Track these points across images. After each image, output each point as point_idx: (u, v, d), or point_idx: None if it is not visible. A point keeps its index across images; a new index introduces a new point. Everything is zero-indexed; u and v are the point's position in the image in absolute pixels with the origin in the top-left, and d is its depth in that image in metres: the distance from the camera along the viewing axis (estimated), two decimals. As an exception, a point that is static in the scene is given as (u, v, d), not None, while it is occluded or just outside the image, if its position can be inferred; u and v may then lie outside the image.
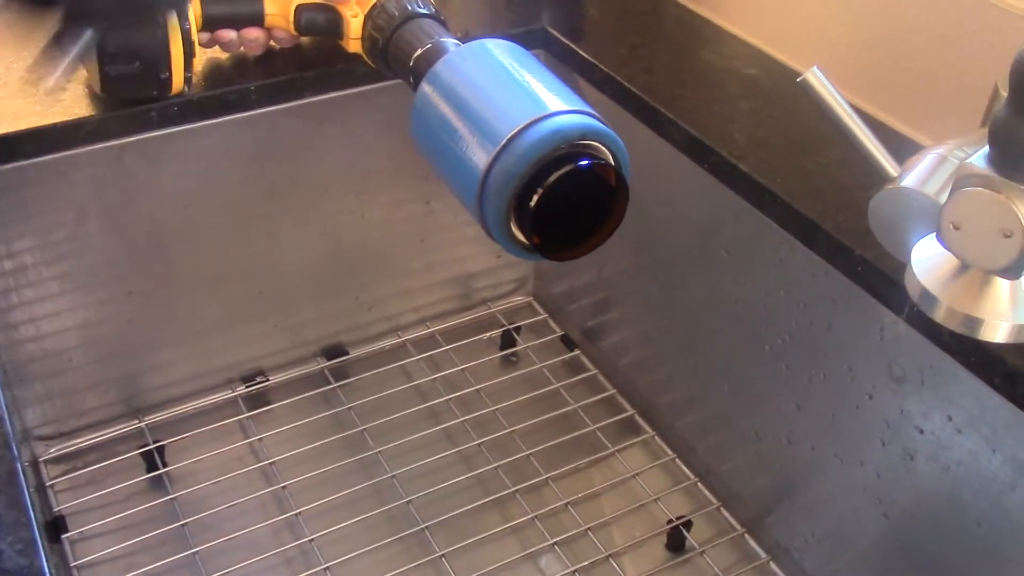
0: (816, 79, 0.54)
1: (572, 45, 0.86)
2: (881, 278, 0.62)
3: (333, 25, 0.74)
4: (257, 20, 0.75)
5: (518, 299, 1.05)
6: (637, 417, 0.93)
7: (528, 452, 0.88)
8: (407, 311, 1.01)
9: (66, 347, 0.84)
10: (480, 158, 0.55)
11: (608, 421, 0.92)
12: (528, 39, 0.88)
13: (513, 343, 1.00)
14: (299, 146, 0.84)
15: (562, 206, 0.55)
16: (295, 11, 0.75)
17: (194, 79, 0.75)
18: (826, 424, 0.72)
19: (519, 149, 0.54)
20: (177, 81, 0.72)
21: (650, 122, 0.78)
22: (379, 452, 0.87)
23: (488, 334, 1.01)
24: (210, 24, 0.74)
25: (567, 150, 0.55)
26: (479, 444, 0.89)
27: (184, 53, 0.70)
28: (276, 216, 0.87)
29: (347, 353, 0.97)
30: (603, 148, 0.56)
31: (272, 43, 0.78)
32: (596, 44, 0.85)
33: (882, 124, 0.76)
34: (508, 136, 0.54)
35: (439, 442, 0.90)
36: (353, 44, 0.74)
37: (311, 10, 0.75)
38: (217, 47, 0.77)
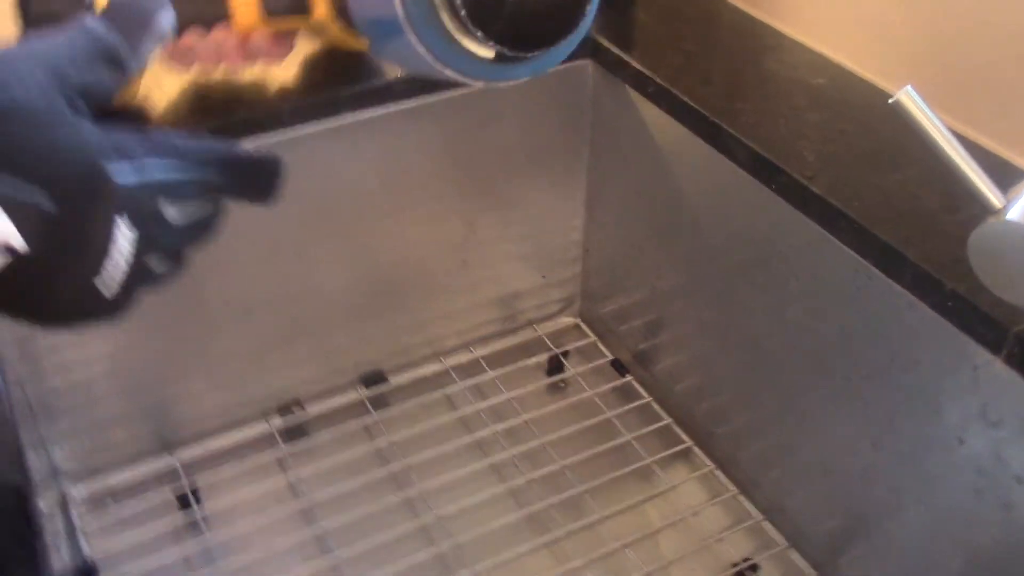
0: (910, 100, 0.48)
1: (623, 55, 0.80)
2: (975, 314, 0.57)
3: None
4: (220, 15, 0.60)
5: (565, 320, 1.00)
6: (695, 448, 0.88)
7: (581, 489, 0.83)
8: (449, 334, 0.96)
9: (93, 378, 0.80)
10: None
11: (664, 453, 0.87)
12: (576, 50, 0.83)
13: (561, 368, 0.95)
14: (334, 167, 0.79)
15: None
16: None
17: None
18: (908, 466, 0.66)
19: None
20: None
21: (710, 138, 0.73)
22: (422, 489, 0.83)
23: (535, 359, 0.96)
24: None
25: None
26: (528, 479, 0.84)
27: None
28: (310, 239, 0.82)
29: (387, 380, 0.93)
30: None
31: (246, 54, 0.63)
32: (648, 53, 0.80)
33: (974, 144, 0.70)
34: None
35: (485, 476, 0.85)
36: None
37: None
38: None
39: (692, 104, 0.74)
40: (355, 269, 0.87)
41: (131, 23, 0.42)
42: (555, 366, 0.96)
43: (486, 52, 0.44)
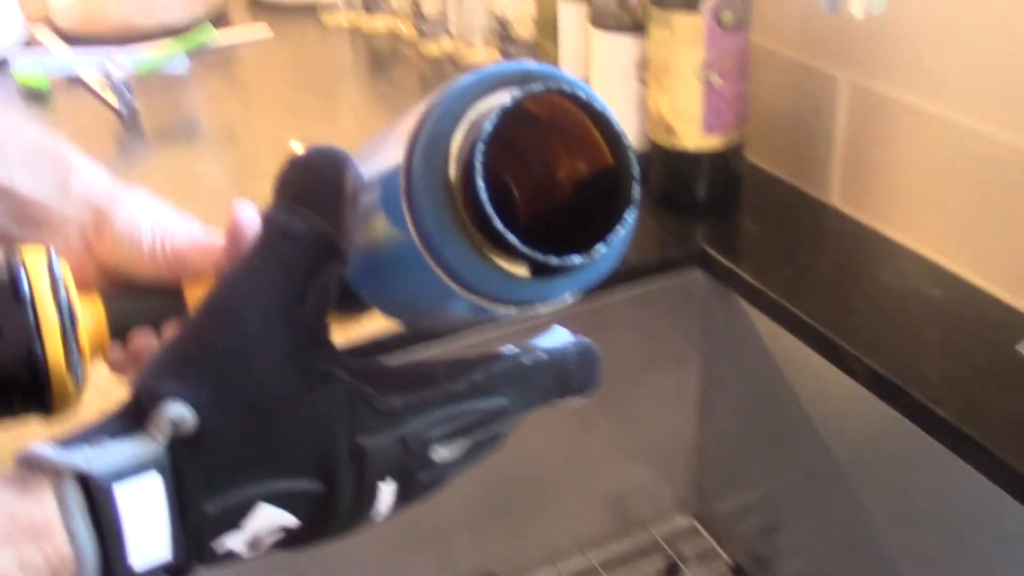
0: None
1: (733, 267, 0.81)
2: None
3: None
4: (180, 314, 0.52)
5: (680, 520, 0.99)
6: (823, 662, 0.84)
7: None
8: (561, 537, 0.95)
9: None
10: (394, 157, 0.36)
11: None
12: (685, 260, 0.85)
13: (678, 574, 0.94)
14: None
15: (533, 184, 0.38)
16: None
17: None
18: None
19: (440, 115, 0.35)
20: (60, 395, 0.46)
21: (828, 354, 0.73)
22: None
23: (651, 565, 0.94)
24: (120, 329, 0.51)
25: (506, 90, 0.35)
26: None
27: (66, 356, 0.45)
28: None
29: (502, 586, 0.92)
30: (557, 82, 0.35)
31: None
32: (759, 265, 0.81)
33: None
34: (417, 120, 0.36)
35: None
36: None
37: None
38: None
39: (808, 320, 0.74)
40: (471, 475, 0.87)
41: (323, 196, 0.37)
42: (672, 570, 0.94)
43: (519, 268, 0.36)
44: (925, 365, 0.68)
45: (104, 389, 0.51)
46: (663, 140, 0.85)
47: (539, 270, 0.36)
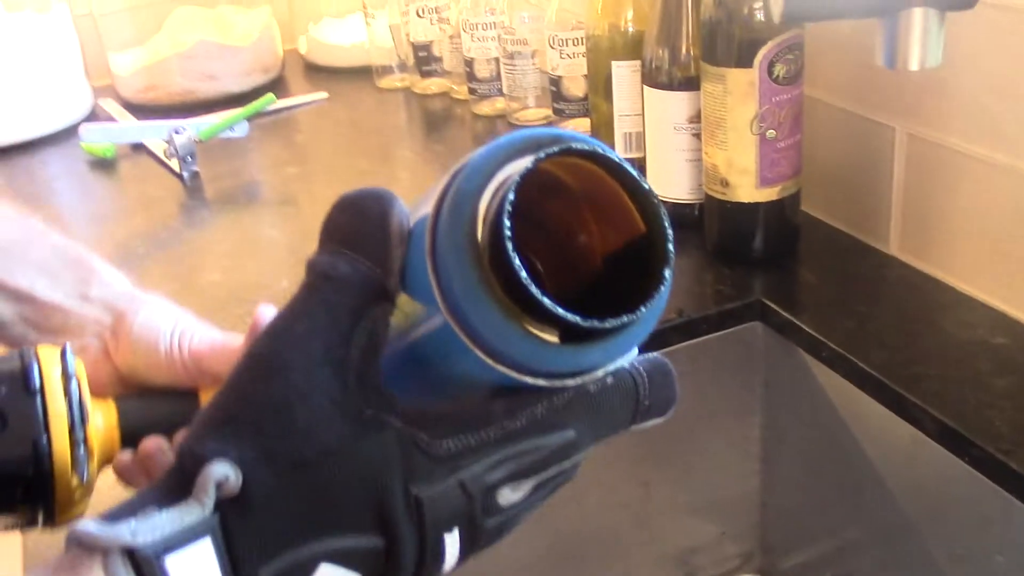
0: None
1: (793, 319, 0.81)
2: None
3: None
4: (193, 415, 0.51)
5: (745, 576, 0.97)
6: None
7: None
8: (627, 594, 0.94)
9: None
10: (422, 216, 0.35)
11: None
12: (744, 312, 0.84)
13: (746, 631, 0.92)
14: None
15: (563, 249, 0.37)
16: None
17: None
18: None
19: (468, 175, 0.34)
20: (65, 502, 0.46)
21: (894, 406, 0.72)
22: None
23: (718, 621, 0.93)
24: (132, 434, 0.51)
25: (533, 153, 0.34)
26: None
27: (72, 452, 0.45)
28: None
29: (566, 646, 0.91)
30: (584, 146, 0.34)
31: None
32: (819, 316, 0.81)
33: None
34: (445, 182, 0.35)
35: None
36: None
37: None
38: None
39: (871, 372, 0.74)
40: (535, 539, 0.87)
41: (368, 235, 0.35)
42: (739, 628, 0.93)
43: (548, 334, 0.34)
44: (994, 415, 0.67)
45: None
46: (719, 193, 0.85)
47: (570, 335, 0.34)
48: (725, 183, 0.84)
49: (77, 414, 0.44)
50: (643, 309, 0.33)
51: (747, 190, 0.84)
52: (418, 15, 1.34)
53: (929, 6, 0.42)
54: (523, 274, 0.31)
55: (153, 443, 0.49)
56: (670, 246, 0.34)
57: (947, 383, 0.71)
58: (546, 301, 0.31)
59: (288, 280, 0.93)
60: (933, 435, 0.69)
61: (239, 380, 0.34)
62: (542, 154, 0.33)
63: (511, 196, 0.32)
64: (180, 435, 0.49)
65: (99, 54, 1.48)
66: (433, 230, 0.34)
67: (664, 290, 0.34)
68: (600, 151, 0.34)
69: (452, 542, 0.34)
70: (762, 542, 0.97)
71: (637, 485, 0.89)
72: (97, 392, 0.50)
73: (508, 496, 0.35)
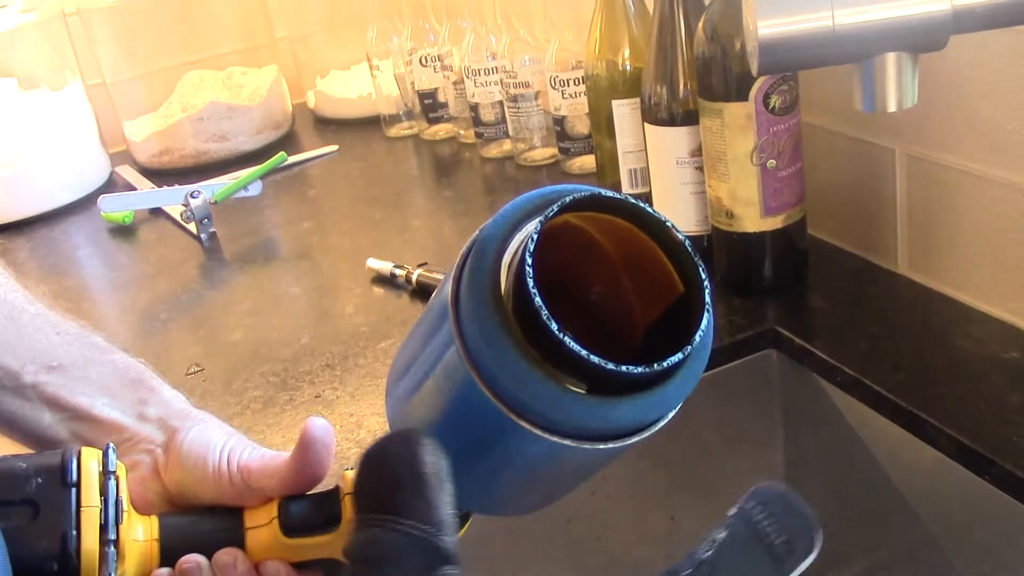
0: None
1: (806, 344, 0.82)
2: None
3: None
4: (236, 540, 0.50)
5: (779, 601, 0.98)
6: None
7: None
8: (662, 626, 0.95)
9: None
10: (445, 288, 0.35)
11: None
12: (758, 341, 0.85)
13: (783, 657, 0.92)
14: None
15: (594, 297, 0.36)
16: (280, 508, 0.50)
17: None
18: None
19: (492, 226, 0.34)
20: None
21: (912, 427, 0.73)
22: None
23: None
24: (172, 551, 0.49)
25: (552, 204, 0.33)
26: None
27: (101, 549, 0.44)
28: (517, 552, 0.84)
29: None
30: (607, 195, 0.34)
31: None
32: (832, 341, 0.81)
33: None
34: (467, 248, 0.34)
35: None
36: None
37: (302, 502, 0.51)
38: None
39: (886, 394, 0.74)
40: (564, 573, 0.88)
41: (409, 493, 0.32)
42: (776, 655, 0.93)
43: (575, 384, 0.32)
44: (1011, 431, 0.68)
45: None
46: (725, 225, 0.87)
47: (597, 386, 0.32)
48: (730, 215, 0.86)
49: (112, 513, 0.44)
50: (673, 359, 0.32)
51: (752, 220, 0.85)
52: (421, 63, 1.37)
53: (901, 51, 0.43)
54: (543, 312, 0.30)
55: (192, 561, 0.48)
56: (707, 297, 0.33)
57: (963, 401, 0.72)
58: (568, 341, 0.30)
59: (308, 336, 0.94)
60: (952, 454, 0.70)
61: None
62: (568, 199, 0.33)
63: (535, 235, 0.31)
64: (222, 552, 0.49)
65: (114, 122, 1.51)
66: (456, 281, 0.33)
67: (700, 341, 0.32)
68: (629, 202, 0.33)
69: None
70: (794, 566, 0.97)
71: (664, 518, 0.90)
72: (143, 510, 0.50)
73: None
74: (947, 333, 0.80)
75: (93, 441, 0.53)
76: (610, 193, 0.33)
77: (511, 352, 0.31)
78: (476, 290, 0.32)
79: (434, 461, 0.33)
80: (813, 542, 0.34)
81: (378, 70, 1.43)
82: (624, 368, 0.31)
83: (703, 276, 0.34)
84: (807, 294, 0.89)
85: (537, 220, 0.32)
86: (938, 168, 0.81)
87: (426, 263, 1.00)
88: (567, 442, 0.33)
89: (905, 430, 0.73)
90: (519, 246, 0.32)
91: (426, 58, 1.36)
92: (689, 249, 0.34)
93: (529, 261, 0.31)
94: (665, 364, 0.33)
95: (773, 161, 0.83)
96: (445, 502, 0.32)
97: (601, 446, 0.34)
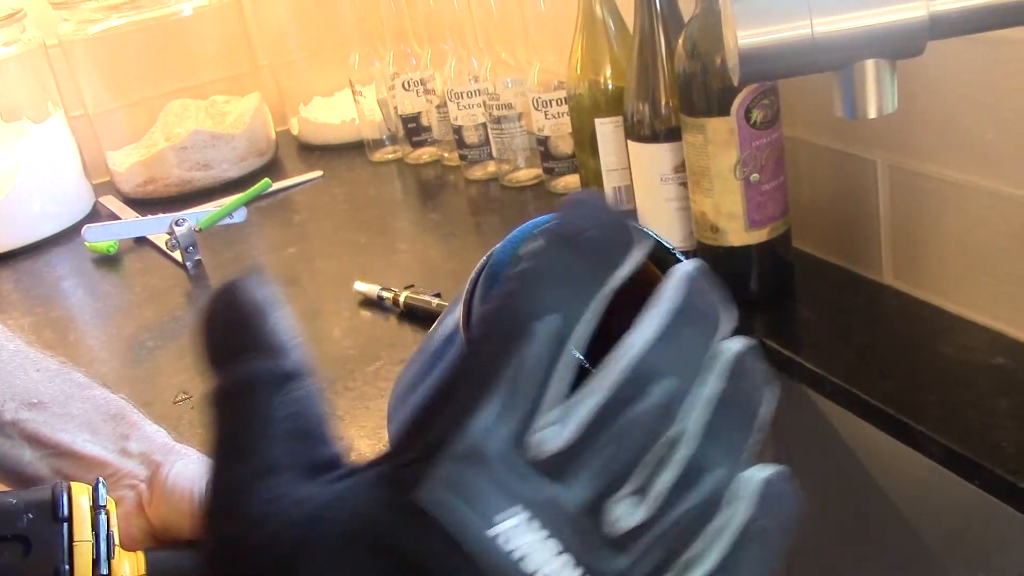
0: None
1: (795, 357, 0.82)
2: None
3: None
4: None
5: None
6: None
7: None
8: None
9: None
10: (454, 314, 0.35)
11: None
12: (746, 354, 0.85)
13: (780, 671, 0.92)
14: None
15: None
16: None
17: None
18: None
19: (499, 259, 0.34)
20: None
21: (900, 436, 0.73)
22: None
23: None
24: None
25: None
26: None
27: None
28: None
29: None
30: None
31: None
32: (819, 351, 0.82)
33: None
34: (477, 273, 0.34)
35: None
36: None
37: None
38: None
39: (875, 403, 0.74)
40: None
41: (232, 335, 0.31)
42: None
43: None
44: (999, 436, 0.68)
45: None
46: (710, 239, 0.87)
47: None
48: (715, 229, 0.86)
49: (104, 548, 0.44)
50: None
51: (737, 234, 0.85)
52: (404, 88, 1.37)
53: (880, 57, 0.43)
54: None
55: None
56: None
57: (951, 408, 0.72)
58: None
59: (296, 360, 0.94)
60: (941, 461, 0.70)
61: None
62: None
63: None
64: None
65: (97, 152, 1.51)
66: (467, 306, 0.33)
67: None
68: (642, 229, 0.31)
69: None
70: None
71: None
72: (127, 546, 0.50)
73: (629, 514, 0.25)
74: (933, 341, 0.80)
75: (75, 477, 0.52)
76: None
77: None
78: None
79: (260, 296, 0.32)
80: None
81: (361, 95, 1.43)
82: None
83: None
84: (793, 306, 0.89)
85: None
86: (920, 178, 0.82)
87: (413, 285, 1.00)
88: None
89: (894, 438, 0.74)
90: None
91: (409, 82, 1.37)
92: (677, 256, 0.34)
93: None
94: None
95: (756, 175, 0.83)
96: (282, 329, 0.31)
97: None
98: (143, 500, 0.53)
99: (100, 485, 0.47)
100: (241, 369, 0.30)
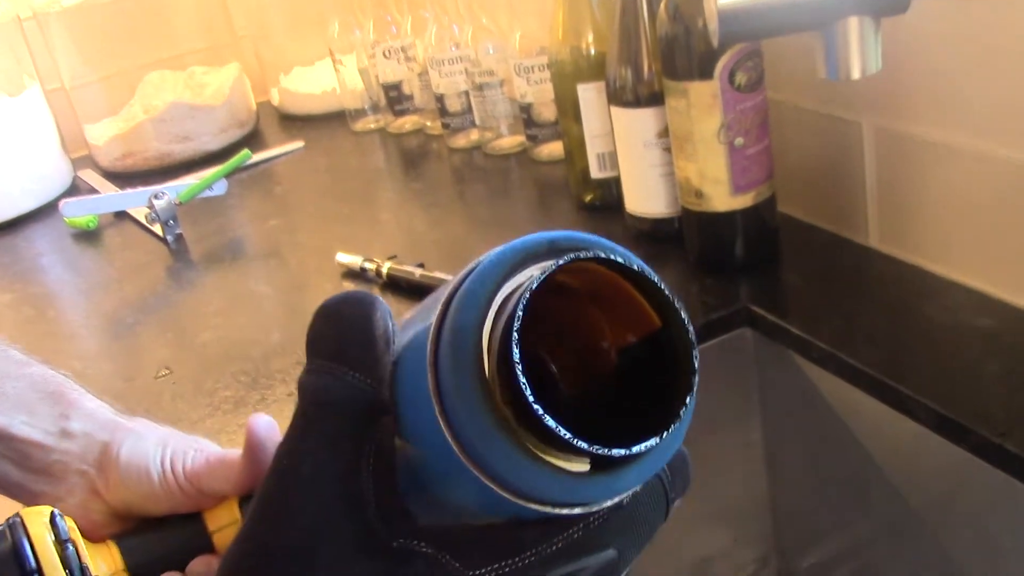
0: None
1: (781, 322, 0.81)
2: None
3: None
4: (204, 547, 0.50)
5: (763, 581, 0.97)
6: None
7: None
8: (647, 611, 0.94)
9: None
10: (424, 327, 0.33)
11: None
12: (732, 320, 0.85)
13: (769, 637, 0.92)
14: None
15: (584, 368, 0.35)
16: (241, 507, 0.51)
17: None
18: None
19: (465, 303, 0.32)
20: None
21: (889, 400, 0.72)
22: None
23: (740, 630, 0.93)
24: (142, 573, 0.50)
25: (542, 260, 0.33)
26: None
27: None
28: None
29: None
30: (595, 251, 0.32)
31: None
32: (807, 317, 0.81)
33: None
34: (442, 307, 0.32)
35: None
36: None
37: None
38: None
39: (863, 368, 0.74)
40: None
41: (355, 346, 0.33)
42: (762, 634, 0.92)
43: (576, 464, 0.31)
44: (987, 399, 0.68)
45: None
46: (694, 205, 0.86)
47: (601, 462, 0.31)
48: (699, 194, 0.85)
49: None
50: (674, 427, 0.31)
51: (722, 199, 0.84)
52: (385, 56, 1.35)
53: (863, 14, 0.42)
54: (549, 421, 0.28)
55: None
56: (694, 346, 0.31)
57: (937, 372, 0.72)
58: (578, 443, 0.29)
59: (280, 333, 0.93)
60: (930, 425, 0.70)
61: (254, 529, 0.33)
62: (541, 274, 0.30)
63: (515, 335, 0.29)
64: (195, 563, 0.47)
65: (75, 126, 1.49)
66: (435, 368, 0.31)
67: (692, 396, 0.31)
68: (602, 256, 0.31)
69: None
70: (777, 545, 0.97)
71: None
72: (93, 535, 0.48)
73: None
74: (919, 304, 0.80)
75: (18, 461, 0.50)
76: (585, 254, 0.31)
77: (515, 456, 0.30)
78: (463, 390, 0.30)
79: (385, 325, 0.34)
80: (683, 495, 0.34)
81: (341, 64, 1.42)
82: (630, 452, 0.30)
83: (682, 314, 0.32)
84: (779, 271, 0.88)
85: (516, 317, 0.30)
86: (905, 140, 0.81)
87: (396, 256, 0.99)
88: (576, 511, 0.32)
89: (882, 403, 0.73)
90: (500, 333, 0.30)
91: (389, 50, 1.35)
92: (663, 287, 0.32)
93: (520, 367, 0.29)
94: (671, 430, 0.31)
95: (741, 139, 0.82)
96: (388, 361, 0.33)
97: (607, 504, 0.33)
98: (97, 486, 0.50)
99: (58, 518, 0.44)
100: (345, 377, 0.33)
